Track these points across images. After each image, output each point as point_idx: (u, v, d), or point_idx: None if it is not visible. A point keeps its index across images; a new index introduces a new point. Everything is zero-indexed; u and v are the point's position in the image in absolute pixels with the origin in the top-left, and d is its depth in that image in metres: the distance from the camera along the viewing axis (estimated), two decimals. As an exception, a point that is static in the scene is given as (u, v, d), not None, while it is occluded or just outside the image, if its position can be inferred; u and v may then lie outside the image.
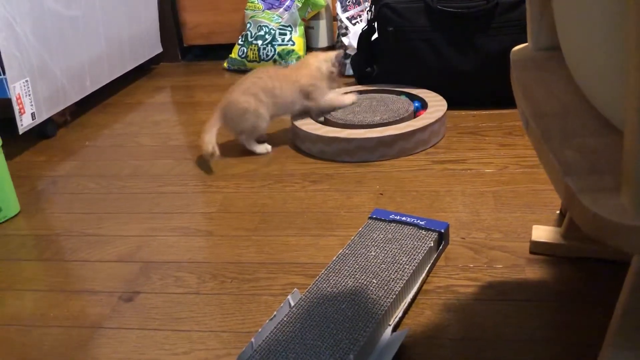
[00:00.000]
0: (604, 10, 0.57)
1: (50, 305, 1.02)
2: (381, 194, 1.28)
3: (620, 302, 0.62)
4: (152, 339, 0.91)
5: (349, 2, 2.16)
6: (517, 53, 0.88)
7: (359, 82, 1.84)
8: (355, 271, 0.96)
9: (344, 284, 0.93)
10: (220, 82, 2.22)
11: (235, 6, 2.39)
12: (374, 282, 0.93)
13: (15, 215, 1.33)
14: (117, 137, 1.76)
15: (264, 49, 2.23)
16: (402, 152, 1.45)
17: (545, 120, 0.67)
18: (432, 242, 1.01)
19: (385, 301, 0.88)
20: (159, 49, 2.43)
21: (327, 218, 1.21)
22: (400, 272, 0.94)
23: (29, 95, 1.60)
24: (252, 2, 2.31)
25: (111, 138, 1.76)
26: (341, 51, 1.58)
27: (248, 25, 2.29)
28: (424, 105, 1.62)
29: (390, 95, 1.68)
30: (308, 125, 1.51)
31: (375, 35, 1.78)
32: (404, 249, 1.00)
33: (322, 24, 2.32)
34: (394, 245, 1.01)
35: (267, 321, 0.87)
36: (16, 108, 1.54)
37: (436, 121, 1.48)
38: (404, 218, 1.08)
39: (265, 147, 1.53)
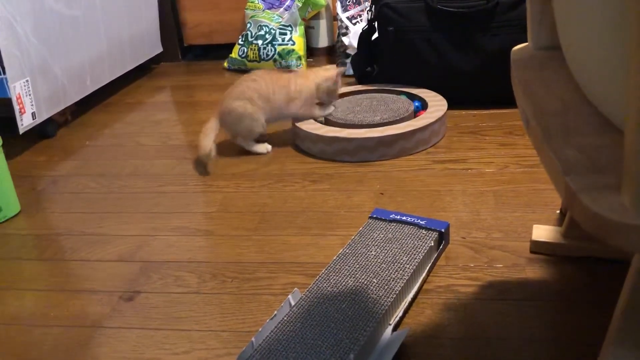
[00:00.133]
0: (605, 9, 0.57)
1: (51, 304, 1.02)
2: (381, 194, 1.28)
3: (620, 301, 0.62)
4: (153, 339, 0.91)
5: (349, 1, 2.16)
6: (518, 52, 0.88)
7: (359, 82, 1.84)
8: (355, 271, 0.96)
9: (344, 283, 0.93)
10: (221, 82, 2.22)
11: (235, 6, 2.39)
12: (374, 282, 0.93)
13: (16, 215, 1.33)
14: (118, 136, 1.76)
15: (264, 48, 2.23)
16: (403, 151, 1.45)
17: (545, 119, 0.67)
18: (432, 242, 1.01)
19: (385, 301, 0.88)
20: (160, 49, 2.43)
21: (328, 218, 1.21)
22: (401, 271, 0.94)
23: (30, 94, 1.60)
24: (252, 2, 2.31)
25: (111, 138, 1.76)
26: (342, 69, 1.56)
27: (248, 25, 2.29)
28: (424, 104, 1.62)
29: (390, 95, 1.68)
30: (308, 125, 1.51)
31: (376, 35, 1.78)
32: (404, 248, 1.00)
33: (323, 24, 2.32)
34: (394, 245, 1.01)
35: (268, 320, 0.87)
36: (16, 108, 1.54)
37: (436, 121, 1.48)
38: (404, 217, 1.08)
39: (265, 147, 1.54)
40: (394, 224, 1.07)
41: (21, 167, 1.59)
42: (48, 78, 1.68)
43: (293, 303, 0.91)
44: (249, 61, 2.27)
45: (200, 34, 2.48)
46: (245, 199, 1.31)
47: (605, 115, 0.65)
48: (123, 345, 0.91)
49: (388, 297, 0.89)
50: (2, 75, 1.51)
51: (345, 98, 1.70)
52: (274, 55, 2.22)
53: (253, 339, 0.83)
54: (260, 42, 2.24)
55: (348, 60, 2.03)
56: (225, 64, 2.36)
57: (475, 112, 1.68)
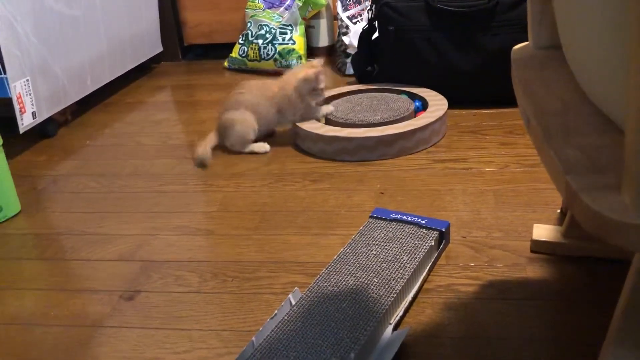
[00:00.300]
0: (605, 9, 0.57)
1: (51, 304, 1.02)
2: (382, 193, 1.28)
3: (621, 300, 0.62)
4: (153, 338, 0.91)
5: (349, 1, 2.16)
6: (518, 52, 0.88)
7: (360, 81, 1.84)
8: (356, 270, 0.96)
9: (344, 282, 0.93)
10: (221, 81, 2.22)
11: (235, 5, 2.39)
12: (374, 281, 0.93)
13: (16, 215, 1.33)
14: (118, 136, 1.76)
15: (265, 48, 2.23)
16: (403, 151, 1.45)
17: (546, 119, 0.67)
18: (432, 241, 1.01)
19: (386, 300, 0.88)
20: (160, 48, 2.43)
21: (328, 217, 1.21)
22: (401, 271, 0.94)
23: (30, 94, 1.60)
24: (252, 2, 2.31)
25: (112, 137, 1.76)
26: (320, 69, 1.49)
27: (248, 24, 2.29)
28: (424, 104, 1.62)
29: (390, 94, 1.68)
30: (309, 125, 1.51)
31: (376, 34, 1.78)
32: (404, 247, 1.00)
33: (323, 23, 2.32)
34: (394, 244, 1.01)
35: (268, 320, 0.87)
36: (17, 107, 1.54)
37: (437, 120, 1.48)
38: (404, 217, 1.08)
39: (263, 147, 1.54)
40: (395, 224, 1.07)
41: (21, 166, 1.59)
42: (48, 77, 1.68)
43: (293, 302, 0.91)
44: (250, 60, 2.27)
45: (201, 33, 2.48)
46: (246, 198, 1.31)
47: (606, 115, 0.65)
48: (123, 345, 0.91)
49: (388, 296, 0.89)
50: (3, 75, 1.51)
51: (345, 97, 1.70)
52: (274, 54, 2.22)
53: (253, 338, 0.83)
54: (260, 41, 2.24)
55: (348, 60, 2.03)
56: (226, 64, 2.36)
57: (475, 111, 1.68)
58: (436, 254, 1.03)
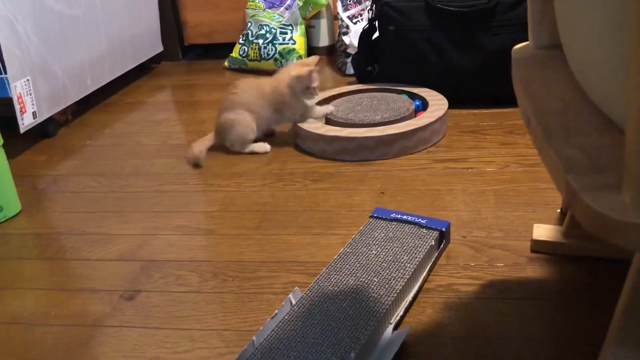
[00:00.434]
0: (605, 9, 0.57)
1: (52, 304, 1.02)
2: (382, 193, 1.28)
3: (621, 300, 0.62)
4: (154, 338, 0.92)
5: (349, 1, 2.16)
6: (518, 51, 0.88)
7: (360, 81, 1.84)
8: (356, 270, 0.96)
9: (345, 282, 0.93)
10: (221, 81, 2.22)
11: (236, 5, 2.39)
12: (375, 281, 0.93)
13: (16, 214, 1.33)
14: (118, 136, 1.76)
15: (265, 48, 2.23)
16: (403, 151, 1.45)
17: (546, 119, 0.67)
18: (433, 241, 1.01)
19: (386, 300, 0.88)
20: (160, 48, 2.43)
21: (328, 217, 1.21)
22: (402, 270, 0.95)
23: (30, 94, 1.60)
24: (252, 1, 2.31)
25: (112, 137, 1.76)
26: (313, 67, 1.47)
27: (249, 24, 2.29)
28: (424, 104, 1.62)
29: (391, 94, 1.68)
30: (309, 124, 1.51)
31: (376, 34, 1.78)
32: (405, 247, 1.00)
33: (323, 23, 2.32)
34: (395, 244, 1.02)
35: (269, 319, 0.87)
36: (17, 107, 1.54)
37: (437, 120, 1.48)
38: (405, 217, 1.08)
39: (263, 146, 1.53)
40: (395, 223, 1.07)
41: (22, 166, 1.59)
42: (49, 77, 1.68)
43: (294, 302, 0.91)
44: (250, 60, 2.27)
45: (201, 33, 2.48)
46: (246, 198, 1.32)
47: (606, 115, 0.65)
48: (124, 344, 0.91)
49: (389, 296, 0.89)
50: (3, 75, 1.51)
51: (345, 97, 1.70)
52: (274, 54, 2.22)
53: (254, 337, 0.84)
54: (260, 41, 2.24)
55: (349, 60, 2.03)
56: (226, 64, 2.36)
57: (475, 111, 1.68)
58: (436, 254, 1.03)
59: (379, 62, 1.78)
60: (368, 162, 1.43)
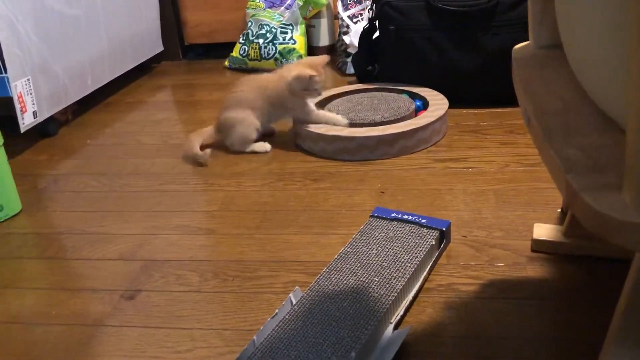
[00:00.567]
0: (605, 9, 0.57)
1: (52, 303, 1.02)
2: (382, 193, 1.28)
3: (621, 299, 0.62)
4: (154, 337, 0.92)
5: (350, 0, 2.16)
6: (519, 51, 0.88)
7: (360, 81, 1.84)
8: (356, 269, 0.96)
9: (345, 282, 0.93)
10: (222, 81, 2.22)
11: (236, 5, 2.40)
12: (375, 280, 0.93)
13: (17, 214, 1.34)
14: (119, 135, 1.76)
15: (265, 47, 2.23)
16: (404, 150, 1.45)
17: (546, 118, 0.67)
18: (433, 241, 1.02)
19: (386, 299, 0.88)
20: (160, 48, 2.43)
21: (329, 216, 1.21)
22: (402, 270, 0.95)
23: (31, 93, 1.60)
24: (253, 1, 2.31)
25: (112, 137, 1.76)
26: (315, 73, 1.44)
27: (249, 23, 2.29)
28: (425, 103, 1.62)
29: (391, 94, 1.68)
30: (309, 124, 1.51)
31: (377, 34, 1.78)
32: (405, 247, 1.00)
33: (324, 23, 2.32)
34: (395, 244, 1.02)
35: (269, 319, 0.87)
36: (18, 106, 1.54)
37: (437, 120, 1.48)
38: (405, 216, 1.08)
39: (263, 146, 1.53)
40: (395, 223, 1.07)
41: (22, 165, 1.59)
42: (49, 77, 1.68)
43: (294, 301, 0.91)
44: (250, 60, 2.27)
45: (201, 33, 2.48)
46: (247, 197, 1.32)
47: (607, 114, 0.65)
48: (124, 344, 0.91)
49: (389, 295, 0.89)
50: (4, 74, 1.51)
51: (346, 97, 1.70)
52: (275, 54, 2.22)
53: (254, 337, 0.84)
54: (261, 41, 2.24)
55: (349, 59, 2.03)
56: (226, 63, 2.36)
57: (476, 111, 1.68)
58: (437, 253, 1.03)
59: (380, 61, 1.78)
60: (368, 161, 1.43)
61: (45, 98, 1.67)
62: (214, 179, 1.42)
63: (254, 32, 2.26)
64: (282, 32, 2.23)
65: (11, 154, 1.63)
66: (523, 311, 0.90)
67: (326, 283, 0.93)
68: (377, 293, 0.90)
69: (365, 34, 1.79)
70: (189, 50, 2.60)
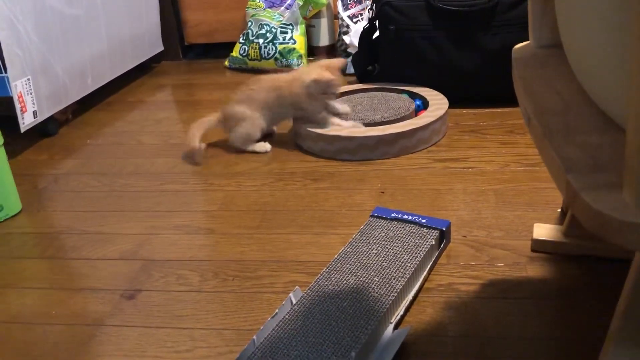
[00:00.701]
0: (606, 7, 0.57)
1: (52, 303, 1.02)
2: (382, 192, 1.28)
3: (622, 299, 0.62)
4: (154, 337, 0.92)
5: (350, 0, 2.16)
6: (519, 51, 0.88)
7: (360, 81, 1.84)
8: (356, 269, 0.96)
9: (345, 281, 0.93)
10: (222, 81, 2.22)
11: (236, 4, 2.40)
12: (375, 280, 0.93)
13: (17, 214, 1.34)
14: (119, 135, 1.76)
15: (265, 47, 2.23)
16: (404, 150, 1.45)
17: (547, 118, 0.67)
18: (433, 240, 1.02)
19: (386, 299, 0.88)
20: (160, 48, 2.43)
21: (329, 216, 1.21)
22: (402, 270, 0.95)
23: (31, 93, 1.60)
24: (253, 1, 2.31)
25: (113, 136, 1.76)
26: (333, 78, 1.44)
27: (249, 23, 2.29)
28: (425, 103, 1.62)
29: (391, 94, 1.68)
30: (309, 124, 1.51)
31: (377, 34, 1.78)
32: (405, 247, 1.00)
33: (324, 22, 2.32)
34: (395, 244, 1.02)
35: (269, 319, 0.87)
36: (18, 106, 1.54)
37: (437, 119, 1.48)
38: (405, 216, 1.08)
39: (264, 146, 1.54)
40: (395, 223, 1.07)
41: (22, 165, 1.59)
42: (49, 76, 1.68)
43: (294, 301, 0.91)
44: (250, 60, 2.27)
45: (201, 32, 2.48)
46: (247, 197, 1.32)
47: (607, 113, 0.65)
48: (124, 344, 0.91)
49: (389, 295, 0.89)
50: (4, 74, 1.51)
51: (346, 97, 1.70)
52: (275, 54, 2.22)
53: (254, 337, 0.84)
54: (261, 40, 2.24)
55: (349, 59, 2.03)
56: (226, 63, 2.36)
57: (476, 110, 1.68)
58: (437, 253, 1.03)
59: (380, 61, 1.78)
60: (368, 161, 1.43)
61: (46, 98, 1.67)
62: (214, 178, 1.42)
63: (254, 32, 2.26)
64: (282, 32, 2.23)
65: (11, 153, 1.64)
66: (523, 311, 0.90)
67: (326, 283, 0.93)
68: (377, 293, 0.90)
69: (365, 34, 1.79)
70: (189, 50, 2.60)
